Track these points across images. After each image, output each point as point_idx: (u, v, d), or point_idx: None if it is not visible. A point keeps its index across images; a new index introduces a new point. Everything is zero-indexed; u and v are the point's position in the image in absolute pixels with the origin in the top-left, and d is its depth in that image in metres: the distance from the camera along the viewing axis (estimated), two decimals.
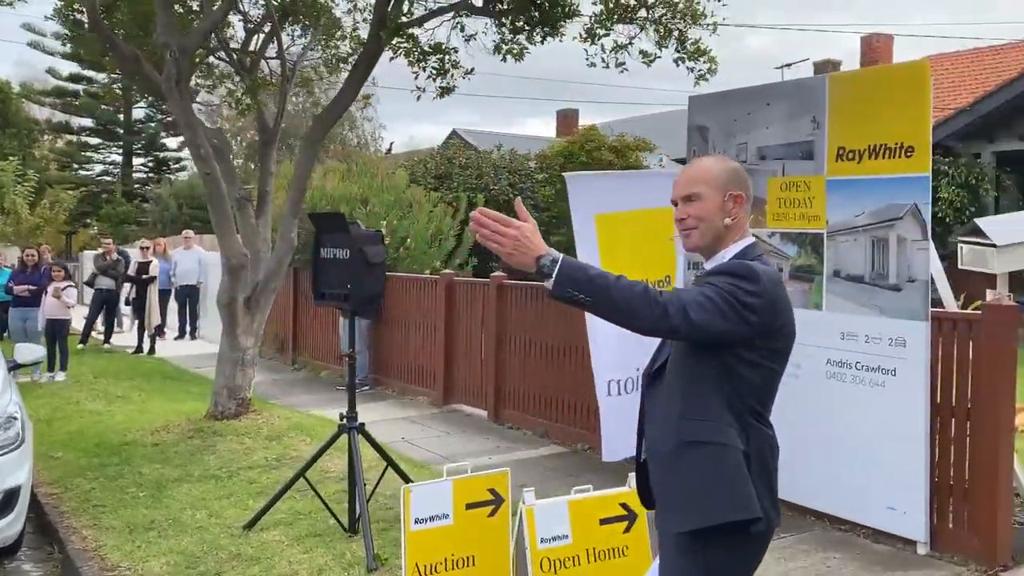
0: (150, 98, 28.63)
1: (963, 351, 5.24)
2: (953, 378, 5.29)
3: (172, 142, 40.93)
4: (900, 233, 5.30)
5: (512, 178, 15.99)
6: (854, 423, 5.52)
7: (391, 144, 44.42)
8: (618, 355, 5.81)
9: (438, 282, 10.25)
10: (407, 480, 5.82)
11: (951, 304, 5.56)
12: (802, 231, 5.84)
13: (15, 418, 5.49)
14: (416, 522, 4.01)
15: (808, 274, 5.80)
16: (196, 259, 16.89)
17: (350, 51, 8.89)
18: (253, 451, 7.42)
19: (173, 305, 16.88)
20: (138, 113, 39.15)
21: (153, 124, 39.49)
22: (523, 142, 22.24)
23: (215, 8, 7.39)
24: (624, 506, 4.49)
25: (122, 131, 39.21)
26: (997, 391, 5.09)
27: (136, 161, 40.71)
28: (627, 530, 4.47)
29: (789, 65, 26.71)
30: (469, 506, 4.13)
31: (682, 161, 25.82)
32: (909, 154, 5.24)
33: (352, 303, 5.31)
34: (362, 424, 5.54)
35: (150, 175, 40.45)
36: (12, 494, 5.25)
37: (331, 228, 5.39)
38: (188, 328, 16.90)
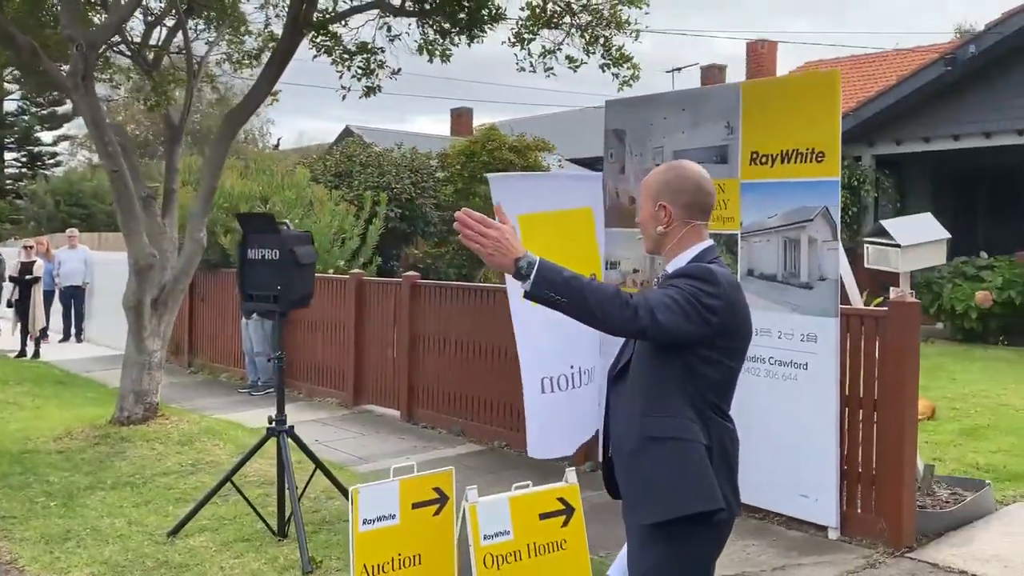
0: (23, 90, 27.31)
1: (870, 346, 5.54)
2: (861, 371, 5.59)
3: (47, 136, 39.21)
4: (811, 234, 5.57)
5: (414, 177, 15.96)
6: (767, 415, 5.76)
7: (279, 140, 43.67)
8: (552, 353, 5.92)
9: (347, 282, 10.18)
10: (336, 483, 5.81)
11: (857, 301, 5.87)
12: (717, 232, 6.05)
13: None
14: (364, 523, 4.01)
15: None
16: (82, 259, 16.32)
17: (258, 47, 8.73)
18: (166, 456, 7.24)
19: (56, 307, 16.22)
20: (10, 106, 37.27)
21: (27, 117, 37.67)
22: (419, 140, 22.18)
23: (124, 1, 7.15)
24: (562, 500, 4.60)
25: None
26: (902, 383, 5.41)
27: (8, 156, 38.74)
28: (565, 524, 4.58)
29: (680, 69, 27.46)
30: (415, 505, 4.17)
31: (579, 161, 26.31)
32: (820, 159, 5.51)
33: (282, 304, 5.26)
34: (291, 427, 5.49)
35: (24, 171, 38.58)
36: None
37: (259, 228, 5.32)
38: (73, 331, 16.30)
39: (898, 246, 5.62)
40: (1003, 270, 14.03)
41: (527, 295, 2.60)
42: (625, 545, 3.03)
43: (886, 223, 5.91)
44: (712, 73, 27.92)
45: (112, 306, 15.50)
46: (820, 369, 5.54)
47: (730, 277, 2.79)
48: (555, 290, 2.57)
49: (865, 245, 6.01)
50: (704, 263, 2.80)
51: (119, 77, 9.52)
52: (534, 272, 2.56)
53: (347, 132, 26.32)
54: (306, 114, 79.18)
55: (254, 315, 10.77)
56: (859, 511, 5.62)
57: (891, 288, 5.81)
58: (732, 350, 2.80)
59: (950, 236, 5.88)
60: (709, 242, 2.89)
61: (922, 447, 7.46)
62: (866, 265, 6.10)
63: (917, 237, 5.67)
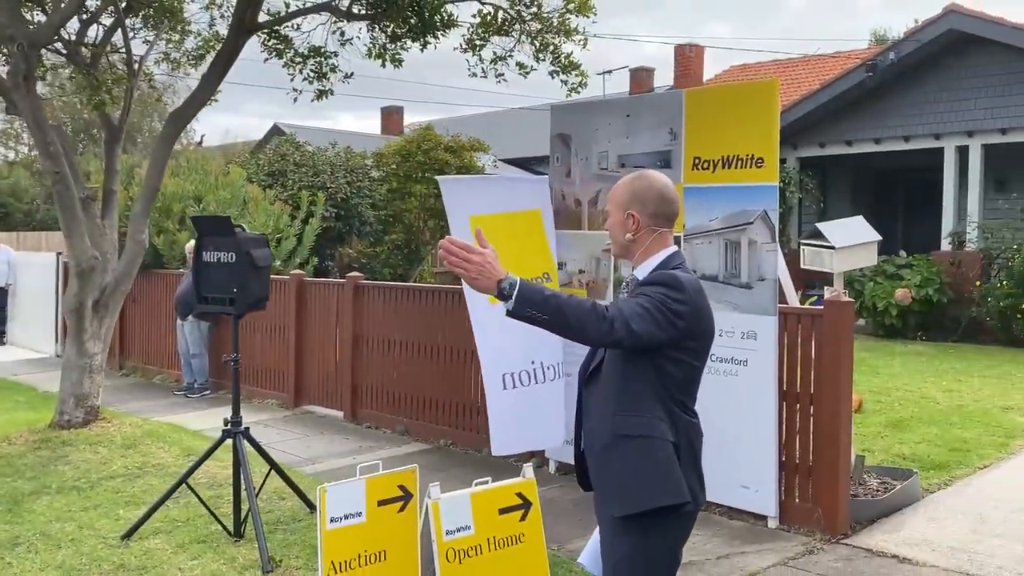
0: None
1: (807, 343, 5.81)
2: (798, 367, 5.86)
3: None
4: (751, 236, 5.81)
5: (349, 177, 15.92)
6: (710, 410, 5.89)
7: (202, 137, 42.94)
8: (513, 349, 6.03)
9: (288, 282, 10.16)
10: (291, 483, 5.86)
11: (794, 300, 6.14)
12: None
13: None
14: (331, 521, 4.10)
15: None
16: (4, 260, 15.96)
17: (201, 47, 8.67)
18: (110, 460, 7.17)
19: None
20: None
21: None
22: (350, 138, 22.06)
23: (65, 1, 7.06)
24: (520, 495, 4.74)
25: None
26: (837, 378, 5.69)
27: None
28: (523, 518, 4.73)
29: (611, 72, 27.83)
30: (380, 503, 4.27)
31: (512, 161, 26.49)
32: (759, 165, 5.75)
33: (238, 307, 5.30)
34: (247, 428, 5.53)
35: None
36: None
37: (215, 231, 5.35)
38: None
39: (832, 248, 5.90)
40: (921, 268, 14.65)
41: (509, 314, 2.74)
42: (595, 533, 3.20)
43: (821, 226, 6.20)
44: (640, 76, 28.37)
45: (34, 308, 15.20)
46: (759, 365, 5.79)
47: (695, 283, 2.96)
48: (536, 308, 2.71)
49: (801, 247, 6.29)
50: (669, 269, 2.97)
51: (53, 76, 9.33)
52: (515, 292, 2.71)
53: (276, 130, 26.05)
54: (228, 110, 77.95)
55: (190, 316, 10.68)
56: (797, 501, 5.88)
57: (826, 288, 6.09)
58: (697, 351, 2.98)
59: (881, 238, 6.20)
60: (674, 248, 3.06)
61: (852, 439, 7.82)
62: (802, 266, 6.39)
63: (850, 239, 5.96)
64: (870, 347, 13.76)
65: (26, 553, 5.25)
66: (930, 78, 15.86)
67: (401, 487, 4.34)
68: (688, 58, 25.63)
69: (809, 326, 5.81)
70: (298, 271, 10.81)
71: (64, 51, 8.44)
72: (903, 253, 15.33)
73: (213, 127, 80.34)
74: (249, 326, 10.68)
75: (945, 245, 15.60)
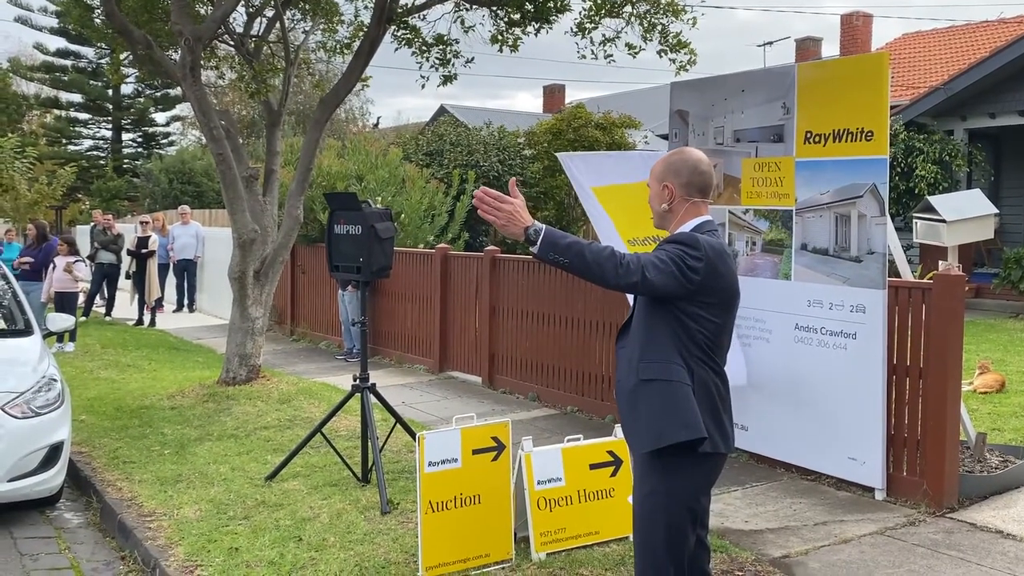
0: (139, 74, 28.77)
1: (916, 316, 5.80)
2: (907, 340, 5.86)
3: (161, 117, 41.10)
4: (860, 210, 5.85)
5: (502, 155, 16.46)
6: (819, 382, 6.09)
7: (378, 119, 44.68)
8: None
9: (433, 256, 10.76)
10: (413, 435, 6.38)
11: (906, 274, 6.12)
12: (773, 208, 6.39)
13: (55, 380, 6.02)
14: (429, 464, 4.56)
15: (778, 247, 6.35)
16: (193, 233, 17.30)
17: (349, 36, 9.34)
18: (266, 413, 7.96)
19: (171, 279, 17.33)
20: (126, 88, 39.20)
21: (142, 100, 39.58)
22: (511, 118, 22.68)
23: None
24: (611, 453, 5.07)
25: (111, 106, 39.28)
26: (946, 352, 5.67)
27: (125, 136, 40.81)
28: (614, 474, 5.05)
29: (771, 43, 27.20)
30: (475, 451, 4.68)
31: (667, 137, 26.41)
32: (869, 138, 5.78)
33: (364, 274, 5.84)
34: (373, 384, 6.08)
35: (140, 150, 40.58)
36: (56, 449, 5.79)
37: (344, 206, 5.90)
38: (186, 301, 17.34)
39: (944, 221, 5.84)
40: None
41: (535, 256, 3.08)
42: None
43: (933, 199, 6.12)
44: (807, 46, 27.54)
45: (220, 278, 16.52)
46: (868, 339, 5.83)
47: (715, 244, 3.20)
48: (558, 252, 3.04)
49: (914, 220, 6.24)
50: (697, 234, 3.22)
51: (224, 66, 10.24)
52: (540, 238, 3.04)
53: (441, 111, 27.00)
54: (406, 92, 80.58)
55: (349, 286, 11.50)
56: (904, 474, 5.90)
57: (940, 262, 6.03)
58: (714, 306, 3.19)
59: (998, 212, 6.06)
60: (707, 217, 3.31)
61: (984, 418, 7.64)
62: (915, 240, 6.33)
63: (963, 212, 5.86)
64: None
65: (185, 488, 6.01)
66: None
67: (494, 438, 4.73)
68: (855, 27, 24.65)
69: (919, 300, 5.80)
70: (444, 245, 11.39)
71: (231, 43, 9.29)
72: None
73: (390, 108, 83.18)
74: (401, 296, 11.41)
75: None
